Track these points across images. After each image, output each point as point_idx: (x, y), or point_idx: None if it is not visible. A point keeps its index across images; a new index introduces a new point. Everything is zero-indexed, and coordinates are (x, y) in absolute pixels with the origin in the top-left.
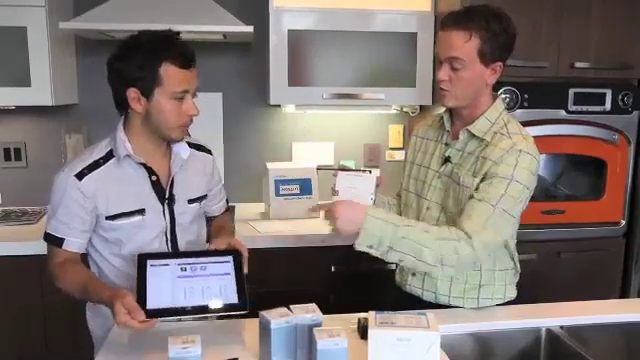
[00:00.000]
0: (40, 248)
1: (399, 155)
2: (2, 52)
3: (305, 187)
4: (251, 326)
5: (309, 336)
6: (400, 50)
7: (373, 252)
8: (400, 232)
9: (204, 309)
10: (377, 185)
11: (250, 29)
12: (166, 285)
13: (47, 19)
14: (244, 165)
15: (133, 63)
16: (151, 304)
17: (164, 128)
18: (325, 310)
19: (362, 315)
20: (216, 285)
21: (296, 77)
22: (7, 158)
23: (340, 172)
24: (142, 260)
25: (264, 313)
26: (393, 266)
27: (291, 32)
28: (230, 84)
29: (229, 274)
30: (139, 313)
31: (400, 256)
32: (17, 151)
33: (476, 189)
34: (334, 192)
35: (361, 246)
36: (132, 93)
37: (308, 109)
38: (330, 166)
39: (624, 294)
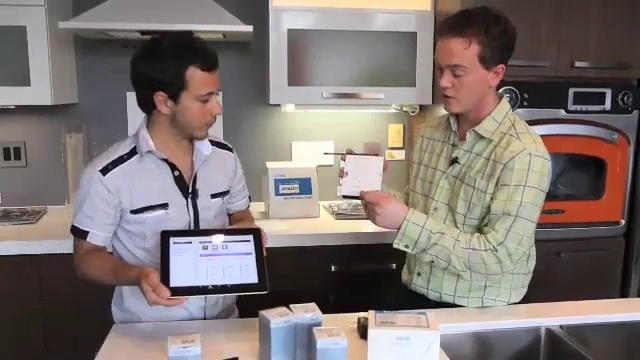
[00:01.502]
0: (40, 248)
1: (399, 154)
2: (2, 52)
3: (305, 186)
4: (251, 325)
5: (309, 335)
6: (400, 49)
7: (408, 251)
8: (433, 238)
9: (225, 289)
10: (384, 168)
11: (250, 28)
12: (189, 264)
13: (46, 18)
14: (244, 164)
15: (159, 68)
16: (174, 282)
17: (190, 127)
18: (325, 310)
19: (362, 314)
20: (237, 264)
21: (296, 76)
22: (7, 157)
23: (348, 155)
24: (165, 237)
25: (264, 312)
26: (394, 266)
27: (291, 31)
28: (230, 83)
29: (250, 253)
30: (163, 290)
31: (432, 258)
32: (17, 150)
33: (492, 198)
34: (343, 174)
35: (399, 245)
36: (159, 97)
37: (308, 108)
38: (333, 167)
39: (624, 293)
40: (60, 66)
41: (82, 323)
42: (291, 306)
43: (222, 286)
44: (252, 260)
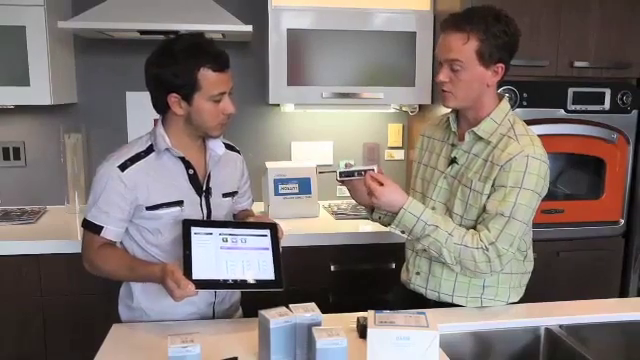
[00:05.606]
0: (40, 248)
1: (398, 154)
2: (1, 51)
3: (304, 186)
4: (251, 325)
5: (308, 335)
6: (399, 49)
7: (404, 235)
8: (426, 230)
9: (244, 284)
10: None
11: (249, 28)
12: (210, 256)
13: (46, 18)
14: None
15: (172, 71)
16: (197, 274)
17: (204, 127)
18: (324, 309)
19: (361, 314)
20: (255, 259)
21: (295, 76)
22: (6, 157)
23: (340, 179)
24: (187, 226)
25: (263, 312)
26: (393, 265)
27: (290, 31)
28: None
29: (267, 249)
30: (188, 285)
31: (425, 247)
32: (16, 150)
33: (488, 197)
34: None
35: (395, 230)
36: (173, 98)
37: (307, 108)
38: (331, 169)
39: (623, 293)
40: (59, 66)
41: (82, 323)
42: (291, 306)
43: (241, 281)
44: (269, 256)
